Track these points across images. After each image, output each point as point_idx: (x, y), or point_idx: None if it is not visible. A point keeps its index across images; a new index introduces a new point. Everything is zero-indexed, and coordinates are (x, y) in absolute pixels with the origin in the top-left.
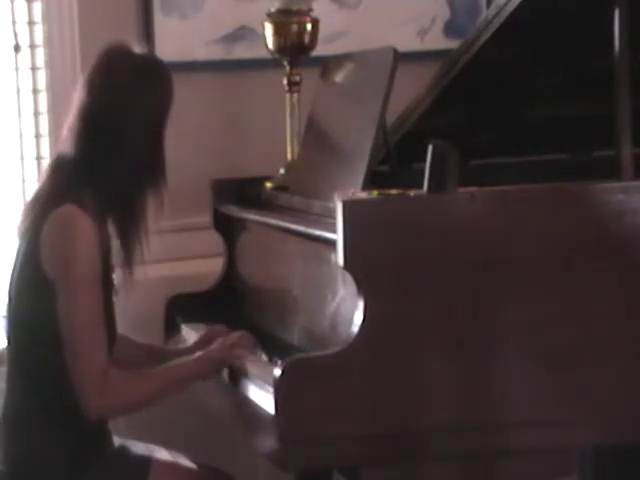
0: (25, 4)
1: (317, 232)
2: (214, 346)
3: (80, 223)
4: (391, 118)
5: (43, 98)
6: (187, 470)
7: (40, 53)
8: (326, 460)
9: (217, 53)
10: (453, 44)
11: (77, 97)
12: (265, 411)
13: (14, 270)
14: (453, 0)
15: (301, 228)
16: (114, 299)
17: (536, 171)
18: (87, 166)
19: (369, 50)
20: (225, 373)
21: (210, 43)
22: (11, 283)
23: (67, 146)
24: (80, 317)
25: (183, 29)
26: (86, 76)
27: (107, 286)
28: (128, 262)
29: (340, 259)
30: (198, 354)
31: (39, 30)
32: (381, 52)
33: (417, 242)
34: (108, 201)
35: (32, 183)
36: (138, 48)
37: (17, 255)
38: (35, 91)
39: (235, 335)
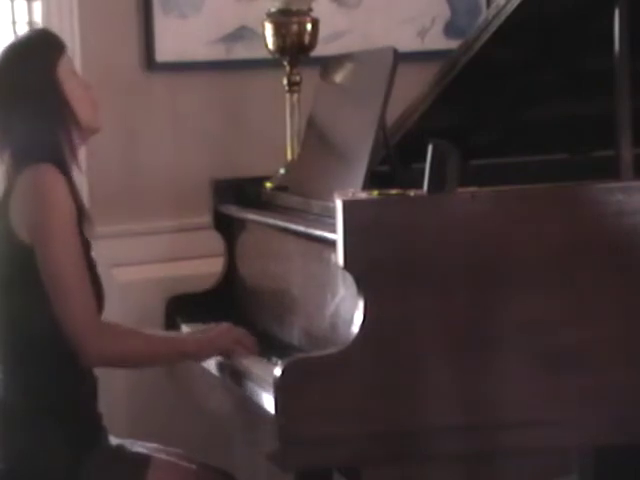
0: (25, 4)
1: (317, 232)
2: (219, 334)
3: (46, 176)
4: (391, 118)
5: None
6: (186, 469)
7: None
8: (326, 460)
9: (217, 53)
10: (453, 44)
11: None
12: (265, 411)
13: None
14: (453, 0)
15: (301, 228)
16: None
17: (536, 171)
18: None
19: (369, 50)
20: (226, 373)
21: (210, 43)
22: None
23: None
24: (64, 264)
25: (183, 29)
26: None
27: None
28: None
29: (340, 259)
30: (202, 335)
31: None
32: (381, 52)
33: (417, 242)
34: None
35: None
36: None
37: None
38: None
39: (241, 331)
